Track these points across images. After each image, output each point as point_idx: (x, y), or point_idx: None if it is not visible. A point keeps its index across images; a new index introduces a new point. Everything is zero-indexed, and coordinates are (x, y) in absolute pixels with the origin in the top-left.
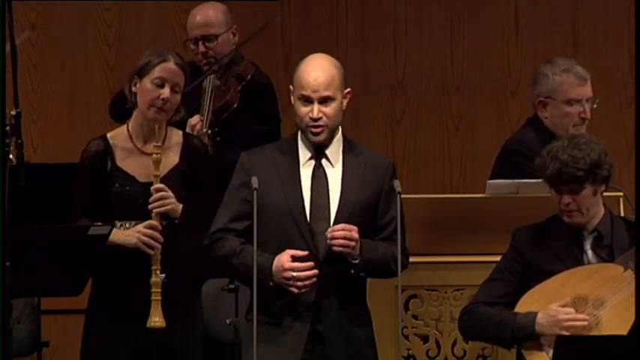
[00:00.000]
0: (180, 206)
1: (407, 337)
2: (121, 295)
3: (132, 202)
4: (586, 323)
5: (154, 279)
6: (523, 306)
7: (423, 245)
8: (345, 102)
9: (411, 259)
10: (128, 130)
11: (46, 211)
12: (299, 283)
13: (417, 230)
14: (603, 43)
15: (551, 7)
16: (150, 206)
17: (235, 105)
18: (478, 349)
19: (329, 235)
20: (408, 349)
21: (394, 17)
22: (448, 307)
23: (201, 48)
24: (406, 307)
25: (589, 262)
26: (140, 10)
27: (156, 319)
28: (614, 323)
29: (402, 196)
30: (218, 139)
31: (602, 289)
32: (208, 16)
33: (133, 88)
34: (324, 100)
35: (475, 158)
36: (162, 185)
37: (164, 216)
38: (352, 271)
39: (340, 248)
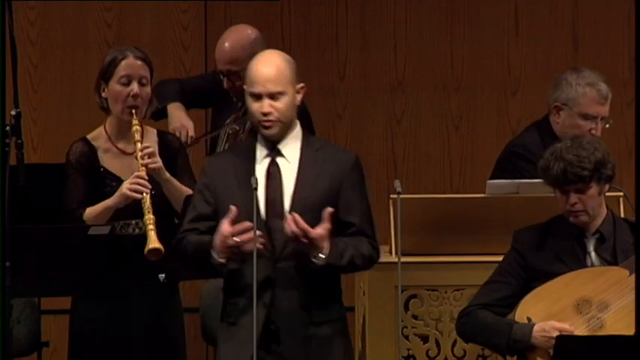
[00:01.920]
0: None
1: (407, 337)
2: (110, 279)
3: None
4: None
5: (146, 216)
6: (525, 306)
7: (423, 245)
8: (298, 97)
9: (411, 259)
10: (106, 131)
11: (46, 211)
12: (247, 246)
13: (417, 230)
14: (603, 43)
15: (551, 7)
16: (142, 162)
17: None
18: (478, 350)
19: (288, 226)
20: (408, 349)
21: (394, 17)
22: (448, 307)
23: (227, 84)
24: (406, 307)
25: (592, 264)
26: (140, 10)
27: (155, 245)
28: (617, 327)
29: (402, 196)
30: None
31: (607, 292)
32: (233, 50)
33: (103, 94)
34: (273, 95)
35: (475, 158)
36: (148, 144)
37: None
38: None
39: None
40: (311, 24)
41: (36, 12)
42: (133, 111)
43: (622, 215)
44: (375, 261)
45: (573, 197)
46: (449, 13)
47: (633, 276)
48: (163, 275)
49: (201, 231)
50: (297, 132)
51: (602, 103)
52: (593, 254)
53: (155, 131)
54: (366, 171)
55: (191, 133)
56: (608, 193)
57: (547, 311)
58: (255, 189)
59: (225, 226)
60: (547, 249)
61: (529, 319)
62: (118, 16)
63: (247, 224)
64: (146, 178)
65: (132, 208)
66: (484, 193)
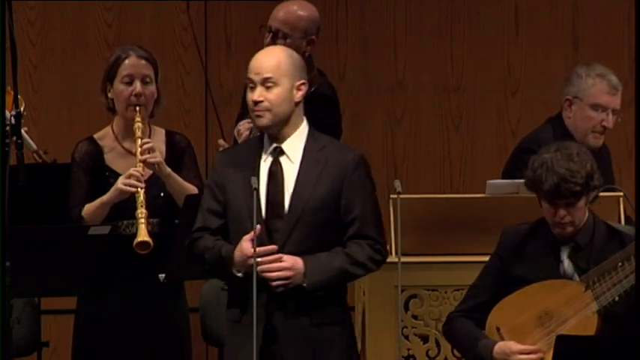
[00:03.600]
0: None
1: (407, 337)
2: (113, 279)
3: (127, 200)
4: None
5: (138, 210)
6: (495, 315)
7: (423, 245)
8: (297, 94)
9: (411, 259)
10: (113, 131)
11: (46, 211)
12: (272, 274)
13: (417, 230)
14: (603, 43)
15: (551, 7)
16: (140, 157)
17: None
18: None
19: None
20: (408, 349)
21: (394, 17)
22: (448, 307)
23: (269, 41)
24: (406, 307)
25: (564, 272)
26: (140, 10)
27: (144, 238)
28: None
29: (402, 196)
30: None
31: (565, 307)
32: (291, 13)
33: (109, 95)
34: (266, 83)
35: (475, 158)
36: (148, 140)
37: (160, 214)
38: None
39: (279, 282)
40: None
41: (36, 12)
42: (137, 108)
43: (622, 215)
44: (380, 262)
45: (562, 211)
46: (449, 13)
47: (588, 292)
48: (163, 275)
49: (212, 230)
50: (302, 130)
51: (612, 94)
52: (566, 262)
53: (163, 131)
54: None
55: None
56: (607, 193)
57: (513, 322)
58: (256, 189)
59: (246, 245)
60: (526, 254)
61: (498, 329)
62: (118, 16)
63: (271, 247)
64: (142, 173)
65: (129, 209)
66: (484, 193)
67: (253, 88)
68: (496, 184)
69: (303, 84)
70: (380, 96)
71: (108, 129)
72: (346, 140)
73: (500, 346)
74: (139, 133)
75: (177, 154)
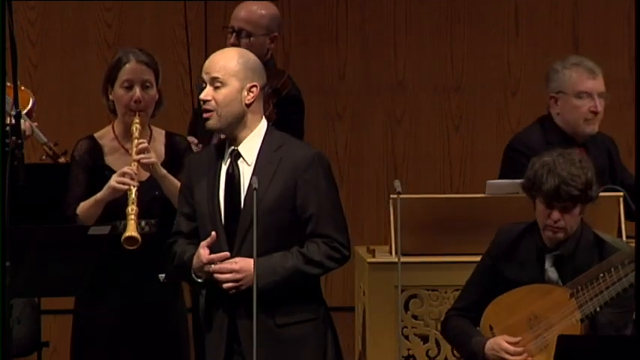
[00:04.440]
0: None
1: (407, 337)
2: (112, 279)
3: (126, 200)
4: None
5: (129, 207)
6: (488, 314)
7: (423, 245)
8: (248, 95)
9: (411, 259)
10: (114, 131)
11: (46, 211)
12: (222, 277)
13: (417, 230)
14: (603, 43)
15: (551, 7)
16: (134, 157)
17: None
18: None
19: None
20: (408, 349)
21: (394, 17)
22: (448, 307)
23: (233, 40)
24: (406, 307)
25: (548, 278)
26: (140, 10)
27: (132, 233)
28: None
29: (402, 196)
30: None
31: (551, 312)
32: (253, 12)
33: (110, 97)
34: (214, 83)
35: (475, 158)
36: (143, 140)
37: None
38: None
39: (230, 284)
40: (311, 24)
41: (36, 12)
42: (137, 113)
43: (622, 215)
44: (340, 260)
45: (556, 214)
46: (449, 13)
47: (572, 300)
48: (163, 275)
49: (185, 234)
50: (258, 131)
51: (592, 78)
52: (550, 270)
53: (163, 132)
54: (365, 171)
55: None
56: (608, 193)
57: (505, 323)
58: (256, 189)
59: (203, 252)
60: (516, 255)
61: (491, 328)
62: (118, 16)
63: (224, 254)
64: (135, 172)
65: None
66: (484, 193)
67: (203, 88)
68: (496, 184)
69: (254, 86)
70: (380, 96)
71: (109, 128)
72: (346, 140)
73: (490, 342)
74: (136, 134)
75: (177, 155)
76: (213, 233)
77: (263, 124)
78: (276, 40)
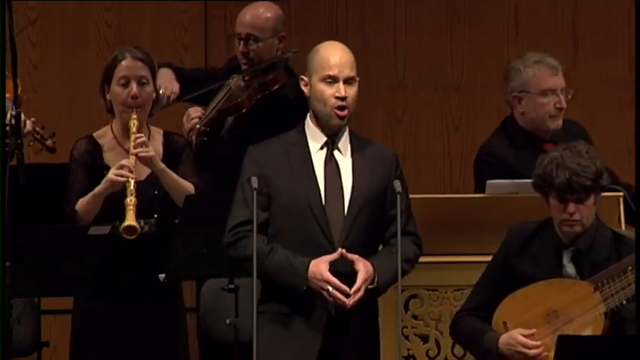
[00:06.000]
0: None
1: (407, 337)
2: (112, 277)
3: (125, 199)
4: None
5: (128, 198)
6: (502, 310)
7: (423, 245)
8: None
9: None
10: (113, 131)
11: (46, 211)
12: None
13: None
14: (603, 43)
15: (551, 7)
16: (132, 150)
17: (244, 111)
18: None
19: (350, 303)
20: (408, 349)
21: (394, 17)
22: (448, 307)
23: (242, 47)
24: (406, 307)
25: (567, 274)
26: (140, 10)
27: (131, 222)
28: None
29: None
30: (205, 139)
31: (572, 306)
32: (257, 16)
33: (107, 96)
34: (349, 81)
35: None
36: (141, 134)
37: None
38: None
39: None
40: (311, 24)
41: (36, 12)
42: (134, 110)
43: (621, 215)
44: (418, 258)
45: (572, 207)
46: (449, 13)
47: (597, 294)
48: (163, 275)
49: (258, 225)
50: (345, 127)
51: (555, 74)
52: (568, 266)
53: (161, 131)
54: None
55: (176, 93)
56: (608, 193)
57: (521, 318)
58: (256, 189)
59: (325, 267)
60: (530, 253)
61: (505, 324)
62: (118, 16)
63: (346, 289)
64: (133, 165)
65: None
66: (484, 193)
67: (332, 83)
68: (496, 184)
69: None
70: (380, 96)
71: (107, 128)
72: None
73: (505, 337)
74: (133, 129)
75: (175, 153)
76: (341, 250)
77: None
78: (285, 39)
